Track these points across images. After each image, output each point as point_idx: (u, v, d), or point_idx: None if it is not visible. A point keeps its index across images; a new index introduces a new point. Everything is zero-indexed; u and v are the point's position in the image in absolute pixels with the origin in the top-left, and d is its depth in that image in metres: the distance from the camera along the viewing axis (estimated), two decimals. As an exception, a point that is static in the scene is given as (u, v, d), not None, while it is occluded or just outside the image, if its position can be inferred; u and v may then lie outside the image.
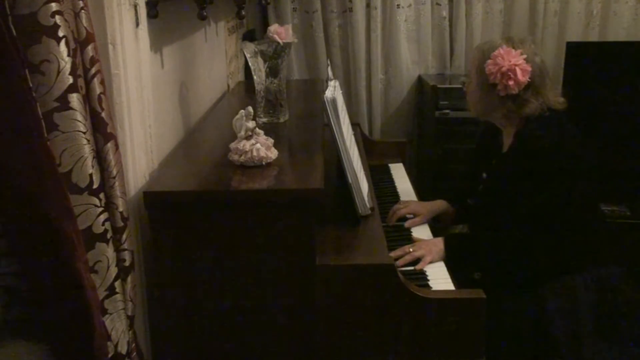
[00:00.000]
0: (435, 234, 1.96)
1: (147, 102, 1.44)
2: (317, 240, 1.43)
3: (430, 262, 1.74)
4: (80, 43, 1.08)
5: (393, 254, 1.74)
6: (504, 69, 1.78)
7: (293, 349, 1.48)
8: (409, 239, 1.89)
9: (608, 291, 1.86)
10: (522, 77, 1.78)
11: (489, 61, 1.81)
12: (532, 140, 1.81)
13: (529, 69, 1.79)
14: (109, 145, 1.16)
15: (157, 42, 1.64)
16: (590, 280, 1.82)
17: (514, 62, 1.78)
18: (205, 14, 1.81)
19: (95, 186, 1.10)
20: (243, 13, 2.42)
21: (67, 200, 1.02)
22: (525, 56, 1.80)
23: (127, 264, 1.24)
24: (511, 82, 1.78)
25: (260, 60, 1.86)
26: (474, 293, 1.51)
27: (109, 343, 1.16)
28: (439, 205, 2.14)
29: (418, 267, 1.72)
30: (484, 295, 1.49)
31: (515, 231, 1.79)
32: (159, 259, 1.42)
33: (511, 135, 1.91)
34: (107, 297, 1.17)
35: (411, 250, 1.77)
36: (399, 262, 1.72)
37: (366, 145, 2.54)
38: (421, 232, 1.97)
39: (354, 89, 3.49)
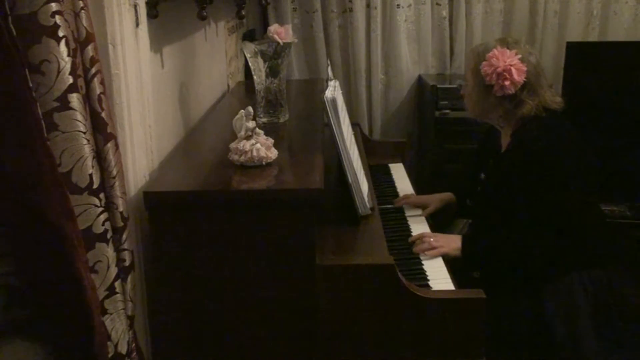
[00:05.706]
0: (434, 231, 1.96)
1: (147, 102, 1.44)
2: (317, 240, 1.43)
3: (445, 255, 1.79)
4: (80, 43, 1.09)
5: (412, 239, 1.84)
6: (499, 69, 1.79)
7: (293, 348, 1.48)
8: (408, 239, 1.89)
9: (607, 291, 1.85)
10: (518, 77, 1.79)
11: (484, 62, 1.83)
12: (528, 140, 1.81)
13: (525, 68, 1.80)
14: (109, 145, 1.16)
15: (157, 42, 1.64)
16: (589, 280, 1.82)
17: (509, 62, 1.79)
18: (205, 14, 1.82)
19: (95, 186, 1.10)
20: (243, 13, 2.42)
21: (67, 201, 1.01)
22: (520, 56, 1.81)
23: (127, 264, 1.24)
24: (507, 82, 1.79)
25: (260, 60, 1.86)
26: (474, 293, 1.51)
27: (109, 343, 1.16)
28: (447, 195, 2.23)
29: (430, 252, 1.78)
30: (484, 295, 1.49)
31: (526, 234, 1.79)
32: (159, 259, 1.42)
33: (508, 135, 1.91)
34: (107, 297, 1.17)
35: (431, 240, 1.81)
36: (416, 249, 1.79)
37: (366, 145, 2.54)
38: (421, 230, 1.96)
39: (354, 89, 3.49)
